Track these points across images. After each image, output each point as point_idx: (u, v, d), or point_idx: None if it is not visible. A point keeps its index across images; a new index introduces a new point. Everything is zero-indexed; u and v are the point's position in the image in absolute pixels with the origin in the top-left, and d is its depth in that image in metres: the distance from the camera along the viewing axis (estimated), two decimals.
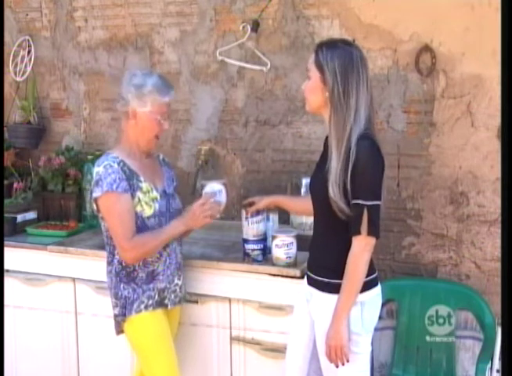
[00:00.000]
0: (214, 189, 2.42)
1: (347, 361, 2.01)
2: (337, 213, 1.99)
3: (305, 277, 2.20)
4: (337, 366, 2.02)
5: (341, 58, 1.97)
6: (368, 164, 1.96)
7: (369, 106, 2.01)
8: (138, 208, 2.27)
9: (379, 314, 2.14)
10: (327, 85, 1.98)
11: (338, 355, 2.00)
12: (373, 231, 1.97)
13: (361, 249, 1.98)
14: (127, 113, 2.31)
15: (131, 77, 2.31)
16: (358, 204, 1.96)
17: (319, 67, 2.00)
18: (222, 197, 2.42)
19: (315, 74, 2.02)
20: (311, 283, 2.14)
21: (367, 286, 2.04)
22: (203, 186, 2.48)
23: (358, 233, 1.97)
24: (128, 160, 2.31)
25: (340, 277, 2.01)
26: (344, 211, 1.98)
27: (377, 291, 2.11)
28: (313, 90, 2.03)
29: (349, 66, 1.97)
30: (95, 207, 2.32)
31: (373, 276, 2.09)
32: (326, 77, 1.98)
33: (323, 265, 2.10)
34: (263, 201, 2.44)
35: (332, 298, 2.03)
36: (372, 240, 1.99)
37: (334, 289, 2.03)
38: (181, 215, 2.42)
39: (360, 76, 1.98)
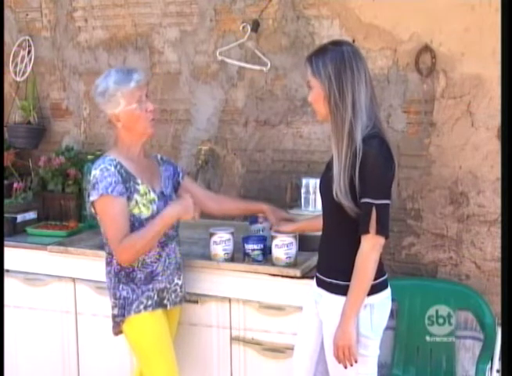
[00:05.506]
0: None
1: (356, 361, 2.00)
2: (345, 213, 1.99)
3: (314, 278, 2.20)
4: (345, 367, 2.01)
5: (333, 60, 2.00)
6: (376, 162, 1.95)
7: (370, 99, 2.02)
8: (136, 211, 2.27)
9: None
10: (325, 91, 2.01)
11: (346, 355, 1.99)
12: (382, 230, 1.96)
13: (369, 248, 1.97)
14: (111, 121, 2.33)
15: (94, 90, 2.32)
16: (367, 202, 1.95)
17: (316, 77, 2.03)
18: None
19: (314, 83, 2.05)
20: (320, 284, 2.14)
21: (377, 288, 2.03)
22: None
23: (367, 232, 1.96)
24: (125, 162, 2.30)
25: (350, 279, 2.00)
26: (353, 210, 1.98)
27: (387, 293, 2.10)
28: (317, 99, 2.06)
29: (342, 65, 1.99)
30: (92, 210, 2.32)
31: (383, 278, 2.08)
32: (323, 84, 2.01)
33: (332, 267, 2.09)
34: (291, 227, 2.45)
35: (341, 300, 2.02)
36: (381, 240, 1.98)
37: (343, 291, 2.02)
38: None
39: (355, 72, 1.99)
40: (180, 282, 2.43)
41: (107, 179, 2.22)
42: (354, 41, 2.82)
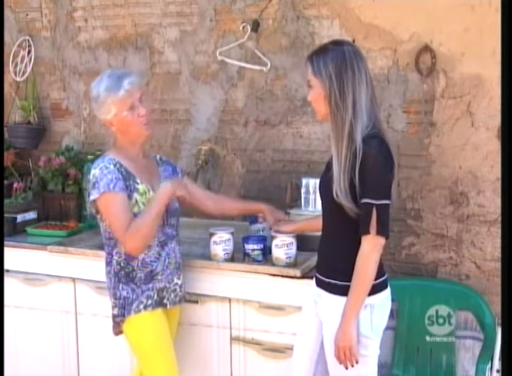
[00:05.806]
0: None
1: (357, 362, 1.99)
2: (345, 213, 1.99)
3: (314, 278, 2.20)
4: (346, 368, 2.01)
5: (334, 60, 1.99)
6: (376, 162, 1.95)
7: (371, 99, 2.02)
8: (136, 209, 2.27)
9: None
10: (326, 90, 2.01)
11: (347, 355, 1.99)
12: (382, 231, 1.96)
13: (370, 249, 1.97)
14: (106, 125, 2.34)
15: (90, 94, 2.33)
16: (367, 203, 1.95)
17: (316, 76, 2.03)
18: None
19: (315, 83, 2.05)
20: (320, 284, 2.14)
21: (377, 288, 2.03)
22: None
23: (367, 232, 1.96)
24: (124, 161, 2.30)
25: (350, 279, 2.00)
26: (353, 210, 1.98)
27: (387, 293, 2.10)
28: (317, 99, 2.06)
29: (343, 65, 1.99)
30: (93, 209, 2.32)
31: (383, 278, 2.08)
32: (324, 84, 2.01)
33: (332, 267, 2.09)
34: (291, 227, 2.45)
35: (341, 300, 2.02)
36: (381, 240, 1.97)
37: (343, 291, 2.02)
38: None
39: (356, 72, 1.99)
40: (180, 282, 2.43)
41: (108, 176, 2.22)
42: (354, 41, 2.82)
